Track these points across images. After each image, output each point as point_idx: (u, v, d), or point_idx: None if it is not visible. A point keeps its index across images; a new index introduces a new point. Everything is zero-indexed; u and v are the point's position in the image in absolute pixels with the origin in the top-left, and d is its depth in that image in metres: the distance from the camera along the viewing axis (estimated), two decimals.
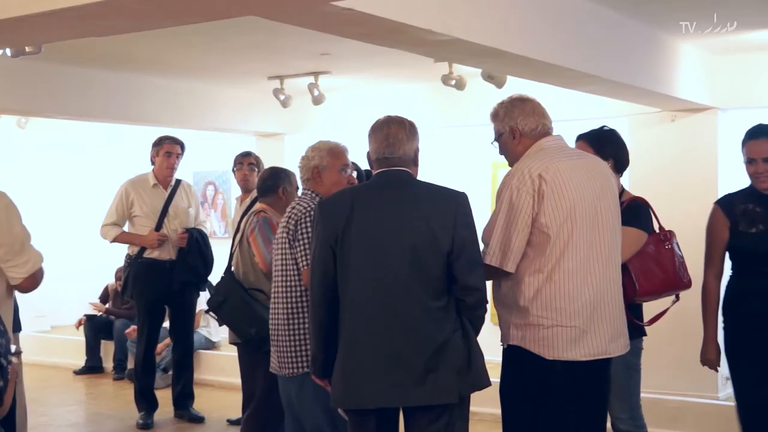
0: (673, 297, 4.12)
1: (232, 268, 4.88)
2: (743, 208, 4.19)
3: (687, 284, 4.05)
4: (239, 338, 4.76)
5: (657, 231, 4.07)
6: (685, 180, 6.44)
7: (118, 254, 8.66)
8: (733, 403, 5.97)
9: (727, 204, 4.27)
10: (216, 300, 4.75)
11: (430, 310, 3.23)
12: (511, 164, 3.60)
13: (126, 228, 6.49)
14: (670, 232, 4.07)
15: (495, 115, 3.63)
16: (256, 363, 4.68)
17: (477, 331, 3.39)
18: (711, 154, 6.44)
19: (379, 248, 3.23)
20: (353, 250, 3.24)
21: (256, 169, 6.23)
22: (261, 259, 4.64)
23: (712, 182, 6.42)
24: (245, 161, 6.29)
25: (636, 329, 4.06)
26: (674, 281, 4.00)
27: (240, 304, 4.60)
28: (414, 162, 3.40)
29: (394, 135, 3.34)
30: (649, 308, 4.21)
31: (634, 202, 4.05)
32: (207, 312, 5.35)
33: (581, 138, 4.13)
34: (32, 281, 3.71)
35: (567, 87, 5.58)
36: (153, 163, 6.53)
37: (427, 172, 3.48)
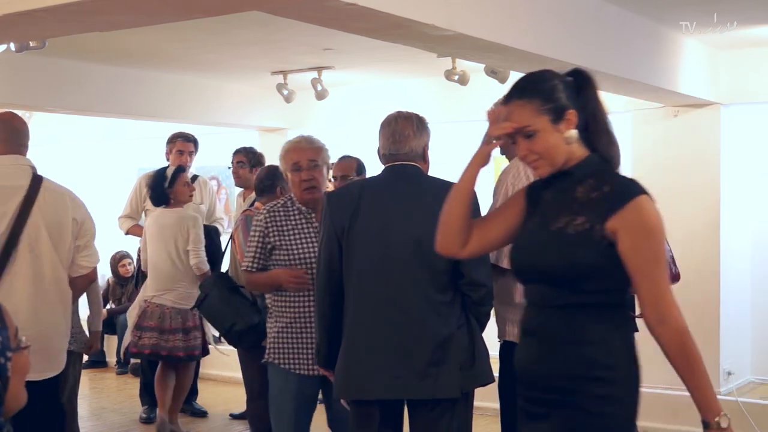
0: None
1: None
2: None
3: (676, 277, 4.10)
4: (218, 332, 4.84)
5: None
6: (688, 176, 6.44)
7: (123, 247, 8.71)
8: (735, 398, 6.00)
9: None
10: (198, 297, 4.84)
11: (435, 304, 3.23)
12: (510, 160, 3.62)
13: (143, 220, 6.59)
14: None
15: None
16: (252, 358, 4.71)
17: (482, 328, 3.40)
18: (713, 150, 6.44)
19: (384, 241, 3.24)
20: (358, 242, 3.26)
21: (247, 166, 6.24)
22: (241, 257, 4.70)
23: (715, 178, 6.42)
24: (235, 159, 6.33)
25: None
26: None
27: (217, 301, 4.64)
28: (423, 158, 3.40)
29: (400, 131, 3.35)
30: None
31: None
32: (191, 309, 5.49)
33: None
34: (95, 273, 4.10)
35: None
36: (168, 159, 6.57)
37: (429, 167, 3.49)
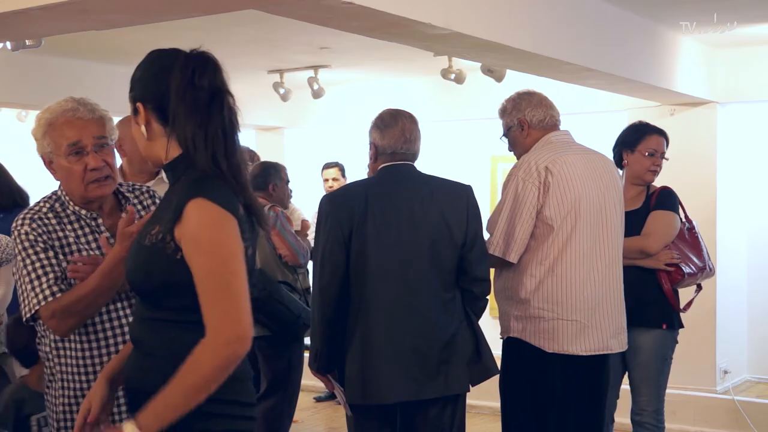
0: (695, 286, 4.17)
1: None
2: None
3: (713, 270, 4.13)
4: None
5: (684, 219, 4.14)
6: (684, 174, 6.43)
7: None
8: (731, 397, 6.01)
9: None
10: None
11: (443, 302, 3.26)
12: (519, 158, 3.61)
13: None
14: (691, 220, 4.16)
15: (503, 111, 3.68)
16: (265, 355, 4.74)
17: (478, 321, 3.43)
18: (710, 149, 6.44)
19: (398, 243, 3.23)
20: (369, 245, 3.22)
21: (250, 164, 6.26)
22: (291, 253, 4.70)
23: (711, 177, 6.43)
24: None
25: (676, 321, 4.09)
26: (705, 267, 4.06)
27: (285, 294, 4.64)
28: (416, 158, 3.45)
29: (409, 131, 3.37)
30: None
31: (665, 190, 4.15)
32: None
33: (660, 133, 4.34)
34: None
35: (566, 81, 5.59)
36: None
37: (426, 166, 3.49)
